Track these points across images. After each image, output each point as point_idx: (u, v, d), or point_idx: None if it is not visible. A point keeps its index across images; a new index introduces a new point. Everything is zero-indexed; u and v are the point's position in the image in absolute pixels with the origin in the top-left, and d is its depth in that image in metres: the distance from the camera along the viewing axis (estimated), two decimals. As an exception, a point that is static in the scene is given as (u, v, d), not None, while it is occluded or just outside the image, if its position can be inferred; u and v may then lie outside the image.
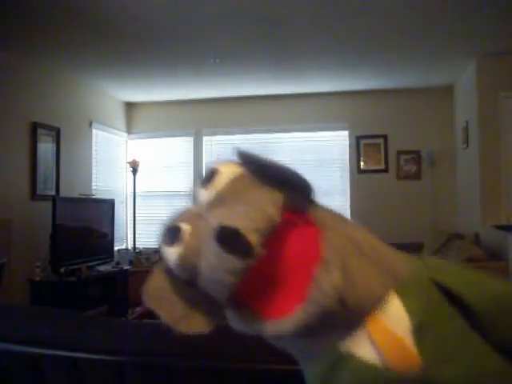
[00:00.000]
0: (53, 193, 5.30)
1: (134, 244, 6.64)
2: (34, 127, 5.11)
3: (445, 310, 0.67)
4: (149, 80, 6.04)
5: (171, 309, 0.72)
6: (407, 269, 0.70)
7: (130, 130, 7.25)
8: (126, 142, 7.22)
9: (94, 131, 6.32)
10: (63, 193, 5.45)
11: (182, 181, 7.09)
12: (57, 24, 4.21)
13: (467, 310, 0.67)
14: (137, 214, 6.74)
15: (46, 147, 5.30)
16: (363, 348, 0.65)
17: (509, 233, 4.28)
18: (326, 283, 0.64)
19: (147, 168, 7.02)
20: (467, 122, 5.61)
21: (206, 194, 0.73)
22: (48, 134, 5.35)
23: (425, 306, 0.66)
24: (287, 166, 0.73)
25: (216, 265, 0.64)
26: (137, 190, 6.77)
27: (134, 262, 6.33)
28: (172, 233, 0.70)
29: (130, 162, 6.78)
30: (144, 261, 6.47)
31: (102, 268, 5.45)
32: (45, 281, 4.69)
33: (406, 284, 0.68)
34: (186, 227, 0.70)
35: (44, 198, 5.09)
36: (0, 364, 1.32)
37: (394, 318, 0.65)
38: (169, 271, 0.73)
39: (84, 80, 5.97)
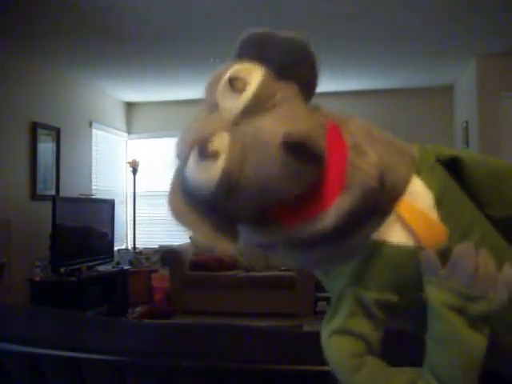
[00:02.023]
0: (53, 193, 5.30)
1: (134, 244, 6.64)
2: (34, 127, 5.11)
3: (453, 183, 0.71)
4: (149, 80, 6.04)
5: (198, 231, 0.65)
6: (417, 151, 0.72)
7: (130, 129, 7.25)
8: (126, 142, 7.22)
9: (94, 131, 6.32)
10: (63, 193, 5.45)
11: (182, 181, 7.09)
12: (57, 24, 4.21)
13: (464, 179, 0.72)
14: (137, 214, 6.74)
15: (45, 147, 5.30)
16: (395, 232, 0.66)
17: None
18: (364, 163, 0.63)
19: (147, 168, 7.03)
20: (467, 122, 5.61)
21: (237, 99, 0.64)
22: (48, 134, 5.35)
23: (440, 181, 0.70)
24: (298, 44, 0.70)
25: (279, 174, 0.59)
26: (137, 190, 6.77)
27: (133, 262, 6.33)
28: (206, 146, 0.60)
29: (130, 162, 6.78)
30: (144, 261, 6.47)
31: (102, 268, 5.45)
32: (45, 281, 4.69)
33: (421, 164, 0.70)
34: (223, 137, 0.61)
35: (44, 198, 5.10)
36: (0, 364, 1.32)
37: (419, 195, 0.67)
38: (189, 196, 0.65)
39: (84, 80, 5.97)
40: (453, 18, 4.16)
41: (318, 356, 1.05)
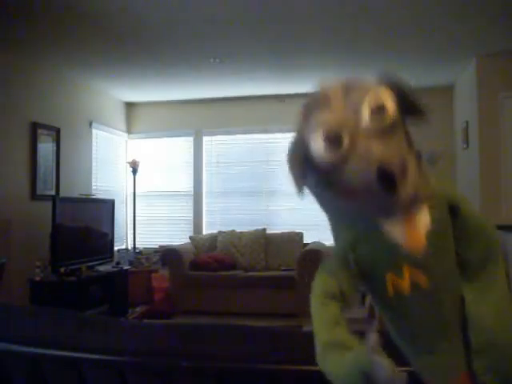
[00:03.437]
0: (53, 193, 5.30)
1: (134, 244, 6.64)
2: (34, 127, 5.11)
3: (447, 220, 0.92)
4: (149, 80, 6.04)
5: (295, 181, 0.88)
6: (436, 186, 0.92)
7: (130, 129, 7.25)
8: (126, 142, 7.22)
9: (94, 131, 6.32)
10: (63, 193, 5.45)
11: (181, 181, 7.10)
12: (57, 24, 4.21)
13: (458, 220, 0.94)
14: (137, 214, 6.74)
15: (46, 147, 5.30)
16: (395, 229, 0.85)
17: (509, 233, 4.28)
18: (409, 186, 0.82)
19: (147, 168, 7.03)
20: (467, 122, 5.61)
21: (372, 120, 0.82)
22: (48, 134, 5.35)
23: (439, 216, 0.89)
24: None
25: (364, 188, 0.80)
26: (137, 190, 6.77)
27: (133, 262, 6.33)
28: (334, 140, 0.81)
29: (130, 162, 6.78)
30: (144, 261, 6.47)
31: (101, 268, 5.45)
32: (45, 281, 4.69)
33: (433, 197, 0.89)
34: (346, 140, 0.81)
35: (44, 198, 5.10)
36: (0, 364, 1.32)
37: (421, 218, 0.86)
38: (305, 159, 0.86)
39: (84, 80, 5.97)
40: (453, 18, 4.16)
41: (318, 356, 1.05)
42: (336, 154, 0.81)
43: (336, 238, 1.00)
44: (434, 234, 0.87)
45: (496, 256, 0.96)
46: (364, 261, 0.92)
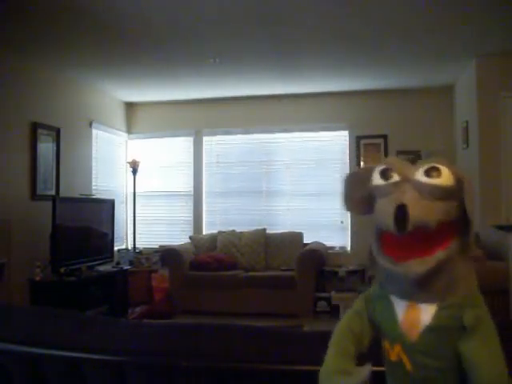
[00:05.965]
0: (53, 193, 5.31)
1: (134, 244, 6.64)
2: (34, 127, 5.11)
3: (455, 328, 0.93)
4: (149, 80, 6.04)
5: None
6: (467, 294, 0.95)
7: (130, 129, 7.25)
8: (126, 142, 7.22)
9: (94, 131, 6.32)
10: (63, 193, 5.45)
11: (181, 181, 7.10)
12: (57, 24, 4.21)
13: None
14: (137, 214, 6.75)
15: (46, 147, 5.30)
16: (399, 310, 0.98)
17: (509, 233, 4.28)
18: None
19: (147, 168, 7.03)
20: (467, 121, 5.61)
21: (423, 179, 0.94)
22: (48, 134, 5.35)
23: (445, 319, 0.93)
24: None
25: (384, 222, 0.95)
26: (137, 190, 6.77)
27: (133, 262, 6.33)
28: (386, 173, 0.99)
29: (130, 162, 6.78)
30: (144, 261, 6.47)
31: (101, 268, 5.46)
32: (45, 281, 4.69)
33: (453, 298, 0.93)
34: (395, 178, 0.99)
35: (44, 198, 5.10)
36: (0, 364, 1.32)
37: (423, 313, 0.94)
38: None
39: (84, 80, 5.97)
40: (453, 18, 4.16)
41: (318, 356, 1.05)
42: (383, 183, 0.96)
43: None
44: (430, 332, 0.93)
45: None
46: (375, 316, 1.05)
